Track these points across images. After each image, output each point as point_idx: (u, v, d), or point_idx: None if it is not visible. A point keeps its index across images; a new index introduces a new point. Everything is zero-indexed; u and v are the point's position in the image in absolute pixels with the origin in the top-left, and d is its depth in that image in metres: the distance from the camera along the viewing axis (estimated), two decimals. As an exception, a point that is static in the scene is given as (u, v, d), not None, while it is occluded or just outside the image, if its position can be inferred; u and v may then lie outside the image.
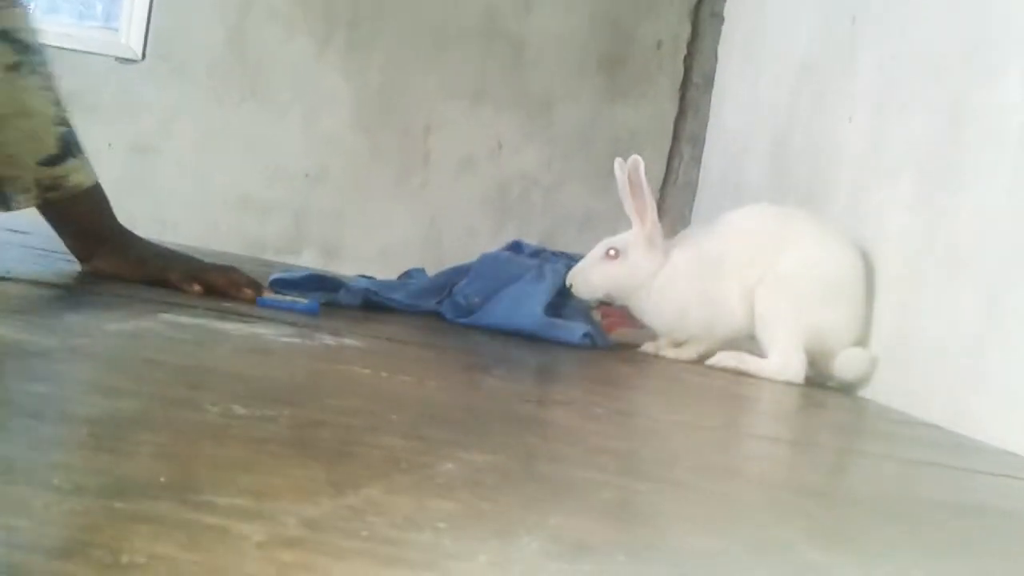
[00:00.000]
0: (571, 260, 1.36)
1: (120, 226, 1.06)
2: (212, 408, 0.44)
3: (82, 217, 1.02)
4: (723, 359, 1.14)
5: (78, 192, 1.01)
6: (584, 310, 1.25)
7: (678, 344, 1.23)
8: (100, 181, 1.06)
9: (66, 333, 0.63)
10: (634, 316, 1.28)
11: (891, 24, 1.21)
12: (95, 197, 1.05)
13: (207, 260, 1.11)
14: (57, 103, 1.01)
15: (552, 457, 0.48)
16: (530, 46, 2.20)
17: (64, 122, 1.01)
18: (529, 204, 2.23)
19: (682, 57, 2.21)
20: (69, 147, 1.00)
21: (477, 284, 1.24)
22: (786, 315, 1.11)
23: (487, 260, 1.32)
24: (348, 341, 0.82)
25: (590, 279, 1.21)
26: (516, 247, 1.43)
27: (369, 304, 1.16)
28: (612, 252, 1.21)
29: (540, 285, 1.21)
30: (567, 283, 1.22)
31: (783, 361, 1.09)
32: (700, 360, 1.19)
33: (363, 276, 1.43)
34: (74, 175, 1.00)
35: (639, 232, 1.21)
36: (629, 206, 1.21)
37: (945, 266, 0.96)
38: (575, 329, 1.14)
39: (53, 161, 0.98)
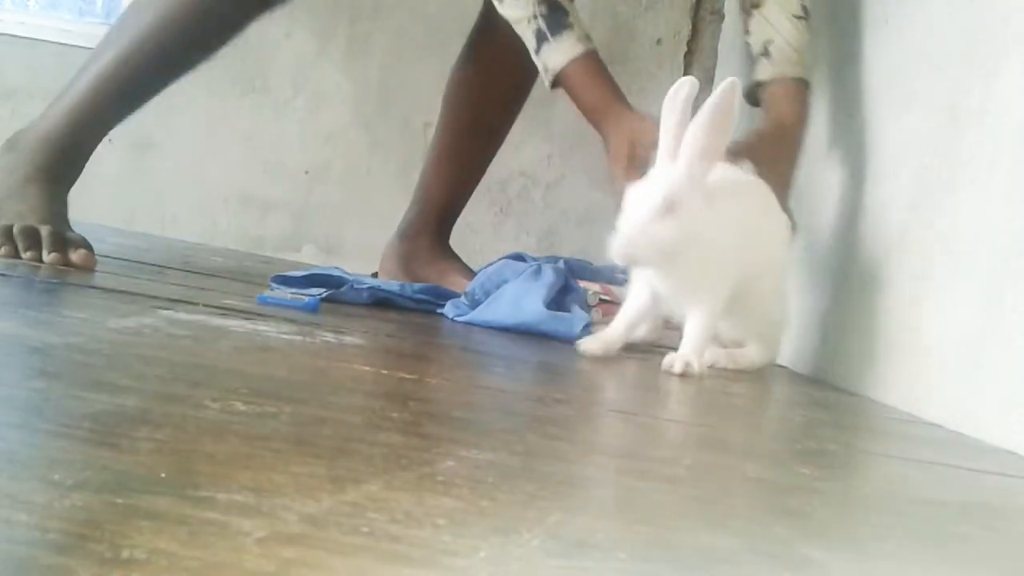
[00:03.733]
0: (570, 263, 1.36)
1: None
2: (212, 404, 0.44)
3: None
4: (720, 358, 1.13)
5: None
6: (584, 305, 1.25)
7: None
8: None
9: (66, 329, 0.63)
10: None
11: (890, 21, 1.21)
12: None
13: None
14: None
15: (552, 455, 0.48)
16: (530, 43, 2.19)
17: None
18: (529, 201, 2.22)
19: (682, 54, 2.21)
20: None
21: (477, 282, 1.25)
22: (775, 301, 1.10)
23: (487, 267, 1.33)
24: (349, 338, 0.82)
25: (657, 241, 0.89)
26: (518, 259, 1.43)
27: (371, 301, 1.16)
28: (669, 204, 0.89)
29: (539, 280, 1.21)
30: (619, 253, 0.89)
31: (763, 346, 1.10)
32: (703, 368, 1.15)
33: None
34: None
35: (683, 174, 0.91)
36: (669, 142, 0.96)
37: (945, 264, 0.96)
38: (575, 321, 1.13)
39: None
